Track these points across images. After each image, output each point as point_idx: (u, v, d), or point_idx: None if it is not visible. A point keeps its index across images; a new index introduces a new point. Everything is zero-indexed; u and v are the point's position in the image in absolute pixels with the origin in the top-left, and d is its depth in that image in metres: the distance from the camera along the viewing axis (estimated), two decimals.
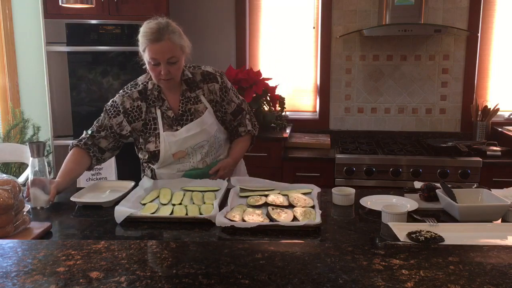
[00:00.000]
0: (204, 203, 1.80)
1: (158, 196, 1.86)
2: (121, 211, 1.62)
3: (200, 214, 1.66)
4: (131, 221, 1.61)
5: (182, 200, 1.81)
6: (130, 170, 2.29)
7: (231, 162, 2.13)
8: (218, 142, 2.13)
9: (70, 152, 2.06)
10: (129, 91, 2.06)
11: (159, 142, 2.02)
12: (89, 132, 2.07)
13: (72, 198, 1.81)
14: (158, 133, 2.03)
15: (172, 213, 1.68)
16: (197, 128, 2.03)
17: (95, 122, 2.10)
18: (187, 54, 1.99)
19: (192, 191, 1.92)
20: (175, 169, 2.08)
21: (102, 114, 2.09)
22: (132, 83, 2.10)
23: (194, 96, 2.06)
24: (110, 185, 2.04)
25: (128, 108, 2.03)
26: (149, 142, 2.05)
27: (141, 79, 2.10)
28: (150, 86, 2.05)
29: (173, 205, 1.77)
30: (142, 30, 1.91)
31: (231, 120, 2.17)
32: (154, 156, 2.05)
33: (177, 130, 2.03)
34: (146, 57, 1.93)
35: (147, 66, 1.96)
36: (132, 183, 2.00)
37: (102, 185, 2.04)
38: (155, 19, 1.93)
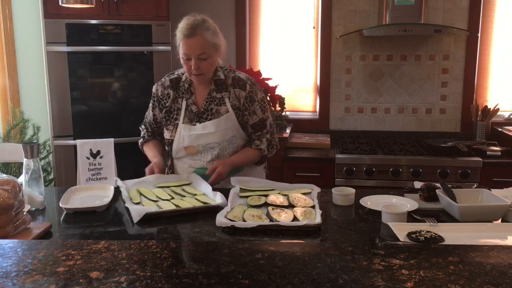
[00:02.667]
0: (195, 194, 1.86)
1: (141, 196, 1.88)
2: (138, 210, 1.63)
3: (205, 203, 1.73)
4: (145, 219, 1.62)
5: (170, 196, 1.87)
6: (130, 170, 2.28)
7: (227, 162, 2.03)
8: (233, 147, 2.13)
9: (145, 148, 2.27)
10: (163, 80, 2.18)
11: (175, 132, 2.11)
12: (142, 127, 2.29)
13: (62, 205, 1.73)
14: (177, 124, 2.11)
15: (177, 207, 1.73)
16: (211, 128, 2.06)
17: (146, 114, 2.28)
18: (222, 53, 2.07)
19: (168, 186, 1.97)
20: (187, 164, 2.16)
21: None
22: (169, 73, 2.21)
23: (219, 98, 2.09)
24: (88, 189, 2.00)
25: (159, 95, 2.16)
26: (167, 130, 2.15)
27: (179, 70, 2.18)
28: (184, 77, 2.13)
29: (168, 200, 1.82)
30: (179, 25, 1.99)
31: (252, 132, 2.15)
32: (169, 144, 2.16)
33: (194, 125, 2.09)
34: (180, 51, 2.01)
35: (181, 60, 2.03)
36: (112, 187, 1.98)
37: (80, 189, 1.99)
38: (193, 16, 2.00)
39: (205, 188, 1.92)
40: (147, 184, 1.99)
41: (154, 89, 2.19)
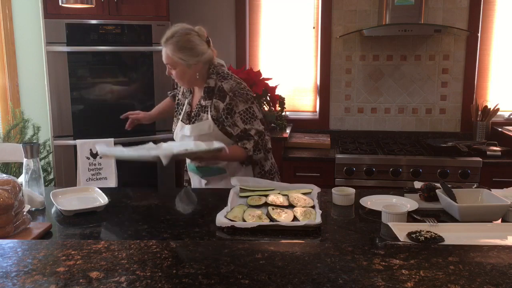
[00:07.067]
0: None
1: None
2: (165, 151, 1.78)
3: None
4: None
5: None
6: (130, 170, 2.29)
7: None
8: None
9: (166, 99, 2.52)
10: None
11: (175, 127, 2.24)
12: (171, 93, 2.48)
13: (61, 208, 1.70)
14: (178, 119, 2.23)
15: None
16: (187, 132, 2.13)
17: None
18: (198, 64, 2.04)
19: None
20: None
21: None
22: None
23: (204, 106, 2.11)
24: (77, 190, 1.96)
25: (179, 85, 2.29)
26: (173, 122, 2.28)
27: None
28: None
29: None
30: None
31: (237, 141, 2.08)
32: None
33: (187, 124, 2.16)
34: None
35: None
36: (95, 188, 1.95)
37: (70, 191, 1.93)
38: (175, 26, 2.06)
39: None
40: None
41: None
